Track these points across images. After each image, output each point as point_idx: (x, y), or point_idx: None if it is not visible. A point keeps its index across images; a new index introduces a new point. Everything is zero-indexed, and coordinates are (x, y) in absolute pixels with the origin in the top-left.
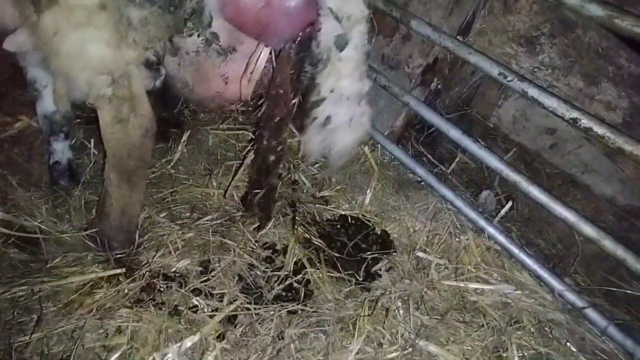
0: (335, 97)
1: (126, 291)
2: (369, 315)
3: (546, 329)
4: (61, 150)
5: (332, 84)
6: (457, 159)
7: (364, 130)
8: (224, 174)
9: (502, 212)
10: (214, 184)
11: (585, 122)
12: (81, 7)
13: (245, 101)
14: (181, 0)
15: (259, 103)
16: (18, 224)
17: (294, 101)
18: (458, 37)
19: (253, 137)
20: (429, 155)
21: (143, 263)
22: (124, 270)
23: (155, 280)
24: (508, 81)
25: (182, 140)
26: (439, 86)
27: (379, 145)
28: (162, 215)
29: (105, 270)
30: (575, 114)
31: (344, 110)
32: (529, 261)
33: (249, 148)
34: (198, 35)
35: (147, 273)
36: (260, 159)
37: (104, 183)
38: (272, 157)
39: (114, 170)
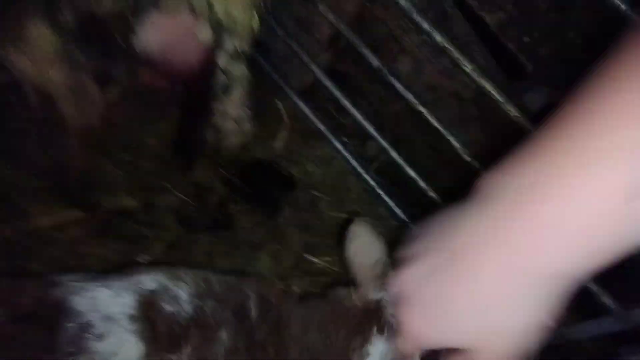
0: (222, 115)
1: (90, 228)
2: (270, 238)
3: None
4: None
5: (219, 107)
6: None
7: (244, 138)
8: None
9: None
10: (152, 132)
11: None
12: None
13: None
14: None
15: None
16: None
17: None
18: None
19: None
20: (330, 109)
21: (97, 205)
22: (84, 213)
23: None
24: None
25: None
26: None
27: (291, 100)
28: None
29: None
30: None
31: (227, 124)
32: (390, 202)
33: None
34: None
35: (105, 213)
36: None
37: None
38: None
39: None
